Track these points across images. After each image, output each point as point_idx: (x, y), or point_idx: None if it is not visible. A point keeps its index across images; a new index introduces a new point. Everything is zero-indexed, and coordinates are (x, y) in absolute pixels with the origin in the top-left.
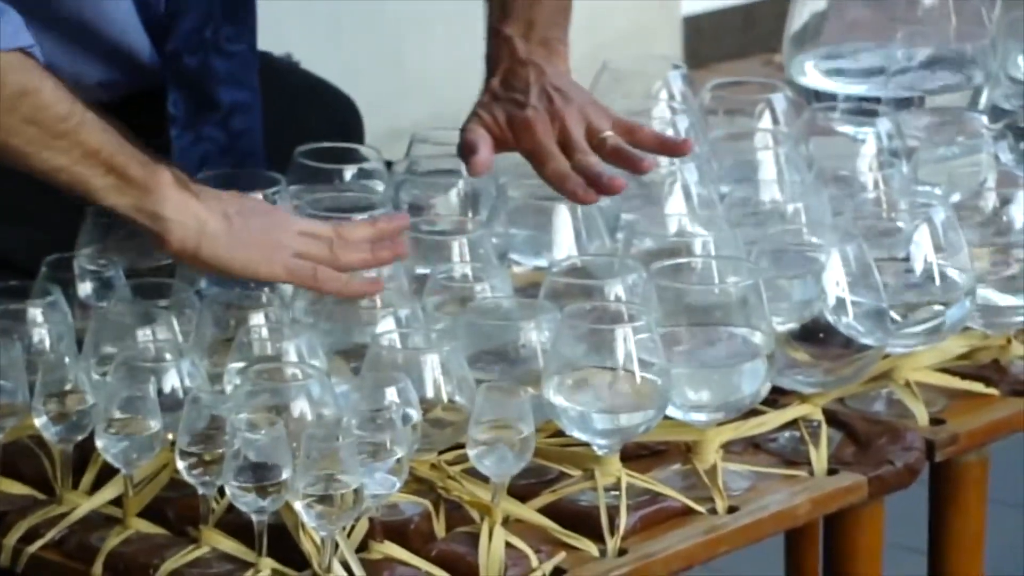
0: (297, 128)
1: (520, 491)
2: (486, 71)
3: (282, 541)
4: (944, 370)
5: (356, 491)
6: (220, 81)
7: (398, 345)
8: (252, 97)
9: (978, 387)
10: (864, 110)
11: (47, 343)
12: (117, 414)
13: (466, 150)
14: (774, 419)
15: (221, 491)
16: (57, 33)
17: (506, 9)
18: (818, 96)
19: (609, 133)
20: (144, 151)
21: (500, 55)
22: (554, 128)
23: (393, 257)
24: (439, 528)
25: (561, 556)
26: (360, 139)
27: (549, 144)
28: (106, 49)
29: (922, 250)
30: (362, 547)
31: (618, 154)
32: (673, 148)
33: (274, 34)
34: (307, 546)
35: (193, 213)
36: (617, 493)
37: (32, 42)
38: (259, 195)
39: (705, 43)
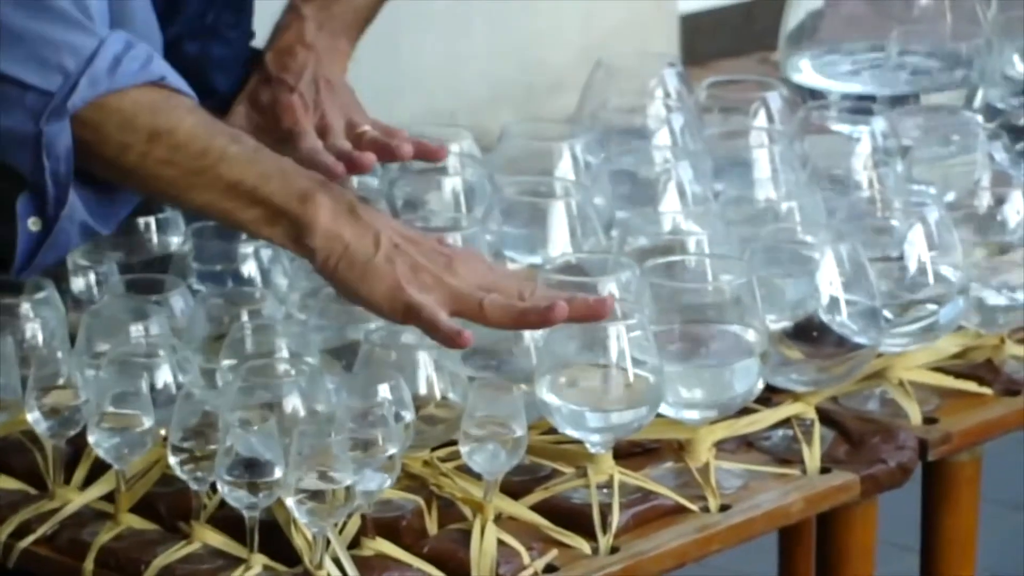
0: None
1: (512, 488)
2: (269, 40)
3: (274, 537)
4: (937, 369)
5: (348, 488)
6: (217, 67)
7: (391, 342)
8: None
9: (971, 386)
10: (859, 109)
11: (40, 338)
12: (109, 409)
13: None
14: (767, 417)
15: (213, 487)
16: None
17: None
18: (813, 95)
19: (367, 128)
20: (301, 175)
21: (286, 31)
22: (315, 115)
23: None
24: (431, 525)
25: (553, 553)
26: None
27: (307, 126)
28: None
29: (916, 249)
30: (354, 544)
31: (376, 145)
32: (428, 153)
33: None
34: (299, 542)
35: (342, 240)
36: (609, 491)
37: (162, 73)
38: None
39: (702, 41)
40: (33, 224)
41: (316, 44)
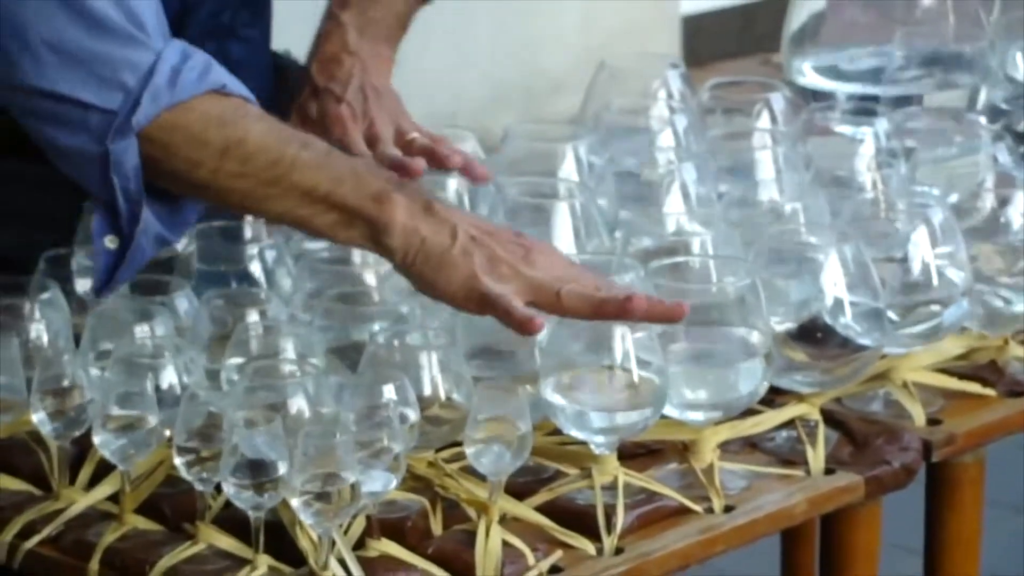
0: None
1: (517, 489)
2: (312, 50)
3: (279, 538)
4: (941, 371)
5: (353, 488)
6: (236, 66)
7: (396, 343)
8: (265, 84)
9: (975, 388)
10: (862, 110)
11: (45, 339)
12: (114, 410)
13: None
14: (771, 419)
15: (218, 488)
16: None
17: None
18: (816, 96)
19: (416, 135)
20: (375, 176)
21: (328, 39)
22: (363, 125)
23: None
24: (436, 526)
25: (558, 554)
26: None
27: (356, 137)
28: None
29: (920, 250)
30: (359, 544)
31: (425, 151)
32: (473, 173)
33: (274, 31)
34: (304, 543)
35: (419, 235)
36: (614, 492)
37: (222, 81)
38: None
39: (704, 43)
40: (110, 242)
41: (360, 51)
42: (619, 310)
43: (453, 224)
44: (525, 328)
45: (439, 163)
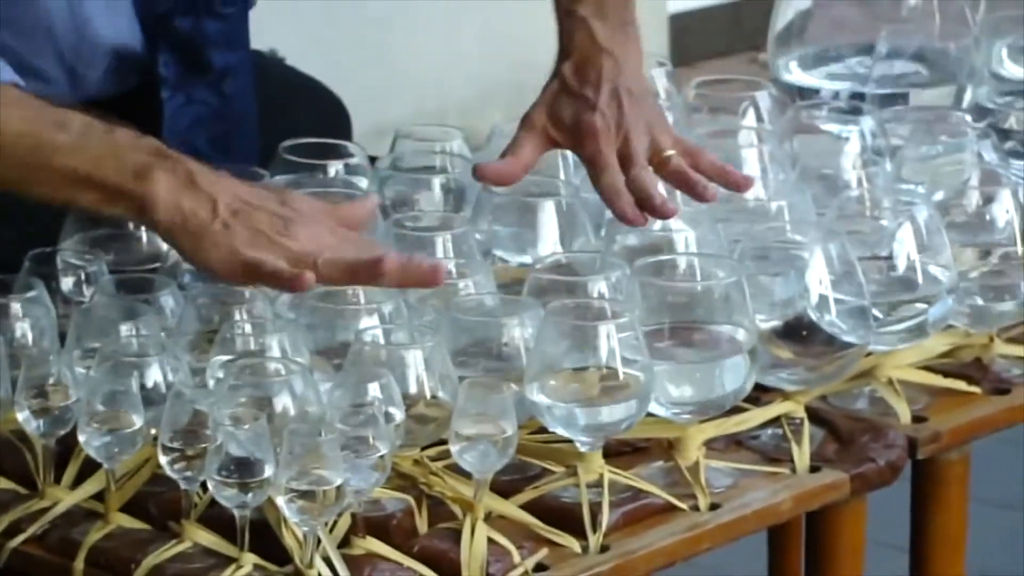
0: (284, 124)
1: (503, 487)
2: (559, 53)
3: (264, 536)
4: (926, 368)
5: (338, 487)
6: (212, 43)
7: (381, 341)
8: (244, 59)
9: (960, 385)
10: (848, 108)
11: (30, 337)
12: (100, 409)
13: (506, 151)
14: (757, 416)
15: (203, 486)
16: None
17: None
18: (802, 94)
19: (672, 153)
20: (136, 150)
21: (576, 37)
22: (618, 138)
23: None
24: (421, 524)
25: (543, 552)
26: (347, 135)
27: (609, 155)
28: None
29: (905, 248)
30: (344, 543)
31: (680, 177)
32: (734, 182)
33: (259, 30)
34: (289, 541)
35: (181, 210)
36: (599, 490)
37: None
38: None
39: (691, 41)
40: None
41: (612, 47)
42: (371, 273)
43: (214, 198)
44: (297, 284)
45: (694, 195)
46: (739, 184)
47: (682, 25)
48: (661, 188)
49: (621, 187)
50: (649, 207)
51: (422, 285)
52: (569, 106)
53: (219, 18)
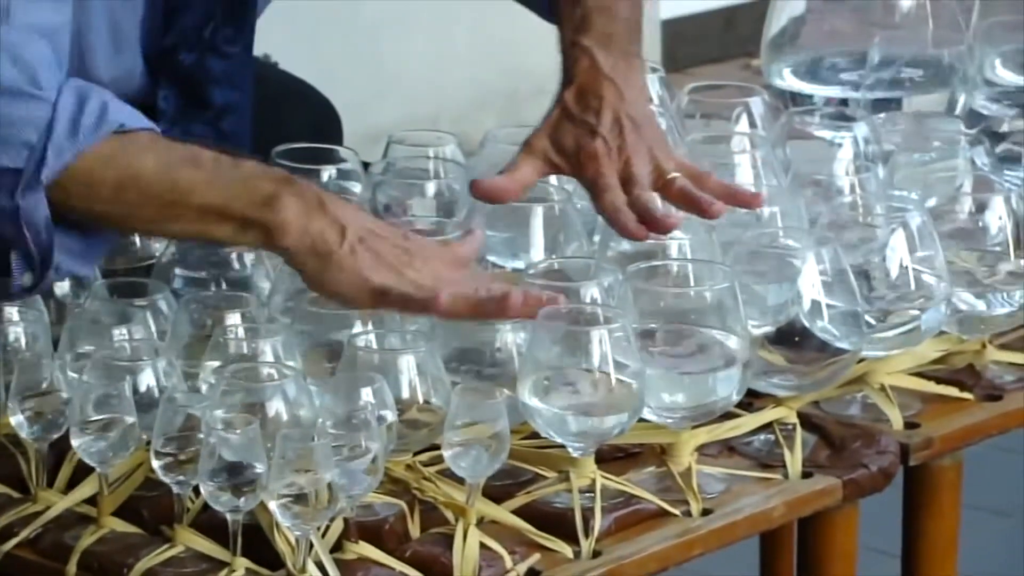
0: (276, 128)
1: (495, 492)
2: (561, 82)
3: (257, 541)
4: (919, 374)
5: (331, 491)
6: (214, 81)
7: (374, 346)
8: (244, 99)
9: (953, 391)
10: (841, 115)
11: (23, 342)
12: (92, 413)
13: (505, 170)
14: (749, 422)
15: (196, 490)
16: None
17: (585, 23)
18: (795, 100)
19: (676, 175)
20: (265, 179)
21: (579, 66)
22: (619, 162)
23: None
24: (414, 529)
25: (535, 557)
26: (339, 140)
27: (611, 177)
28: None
29: (898, 254)
30: (336, 547)
31: (685, 196)
32: (744, 200)
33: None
34: (281, 546)
35: (310, 234)
36: (592, 495)
37: (119, 120)
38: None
39: (684, 47)
40: (27, 279)
41: (615, 75)
42: (497, 309)
43: (343, 224)
44: (431, 306)
45: (699, 212)
46: (749, 202)
47: (675, 31)
48: (661, 205)
49: (622, 205)
50: (651, 223)
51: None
52: (570, 132)
53: (223, 56)
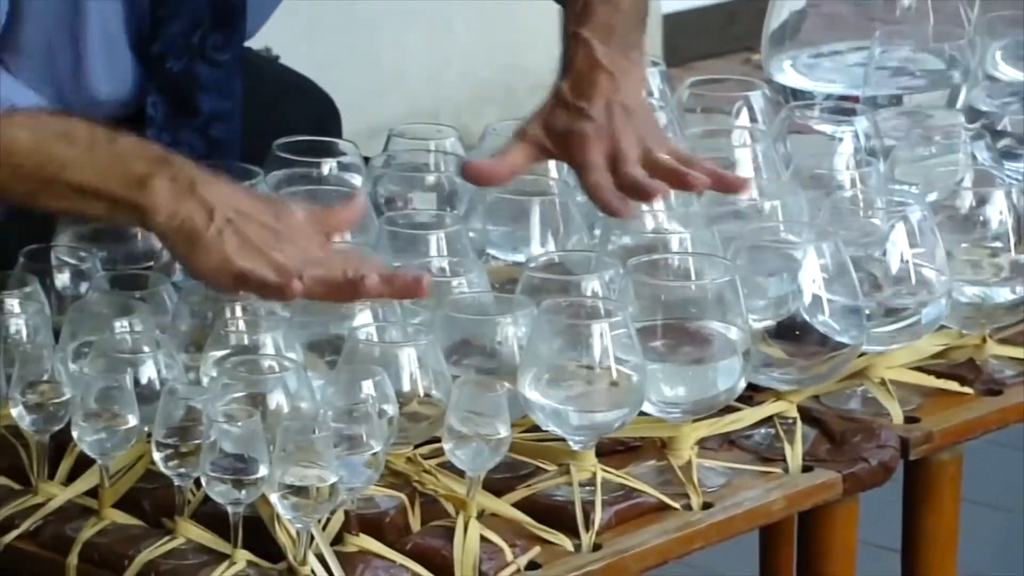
0: (275, 122)
1: (495, 485)
2: (560, 72)
3: (257, 533)
4: (919, 369)
5: (332, 484)
6: (203, 88)
7: (375, 339)
8: (233, 107)
9: (953, 386)
10: (842, 109)
11: (24, 334)
12: (93, 405)
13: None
14: (749, 416)
15: (197, 482)
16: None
17: (586, 14)
18: (796, 94)
19: (665, 157)
20: (139, 160)
21: (577, 56)
22: (607, 141)
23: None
24: (414, 522)
25: (536, 550)
26: (338, 134)
27: (597, 158)
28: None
29: (898, 249)
30: (337, 540)
31: (670, 172)
32: (730, 184)
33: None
34: (282, 538)
35: (179, 217)
36: (592, 488)
37: (9, 102)
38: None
39: (684, 41)
40: None
41: (613, 66)
42: (352, 291)
43: (212, 206)
44: (285, 291)
45: (683, 185)
46: (735, 186)
47: (675, 25)
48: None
49: (608, 184)
50: (637, 193)
51: (406, 296)
52: (563, 117)
53: (212, 64)
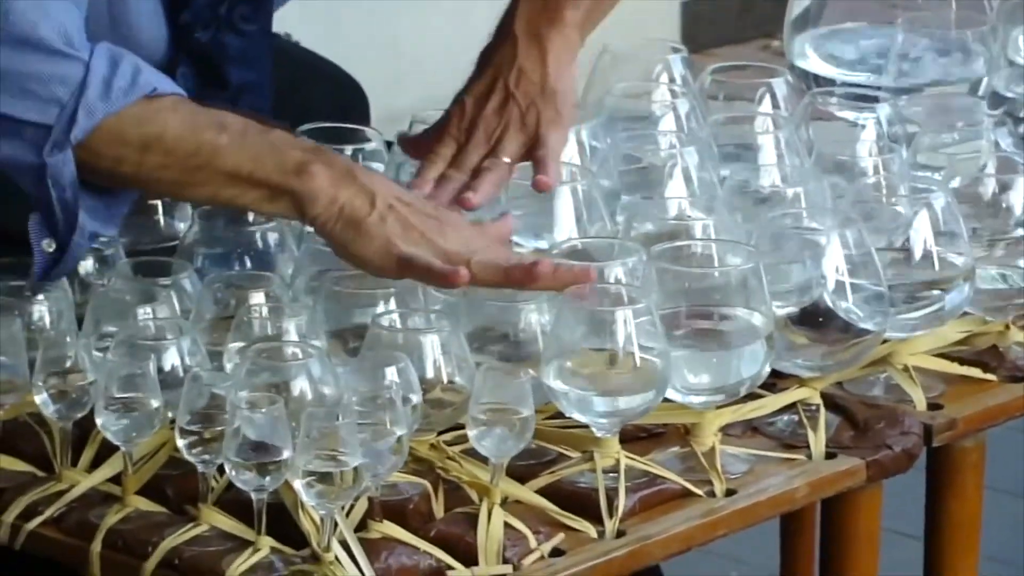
0: (300, 107)
1: (519, 472)
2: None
3: (281, 520)
4: (942, 355)
5: (356, 470)
6: (230, 59)
7: (398, 325)
8: (261, 78)
9: (976, 372)
10: (864, 95)
11: (47, 320)
12: (117, 392)
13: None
14: (773, 402)
15: (221, 469)
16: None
17: None
18: (818, 81)
19: (505, 160)
20: (294, 147)
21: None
22: (466, 131)
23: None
24: (438, 508)
25: (560, 537)
26: (365, 118)
27: (442, 149)
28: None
29: (921, 235)
30: (361, 526)
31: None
32: (538, 179)
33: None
34: (306, 525)
35: (339, 203)
36: (616, 475)
37: (153, 84)
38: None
39: (702, 28)
40: (47, 246)
41: (524, 32)
42: (525, 275)
43: (372, 192)
44: (451, 279)
45: (463, 203)
46: (539, 184)
47: (693, 12)
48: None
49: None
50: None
51: (576, 282)
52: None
53: (239, 34)
